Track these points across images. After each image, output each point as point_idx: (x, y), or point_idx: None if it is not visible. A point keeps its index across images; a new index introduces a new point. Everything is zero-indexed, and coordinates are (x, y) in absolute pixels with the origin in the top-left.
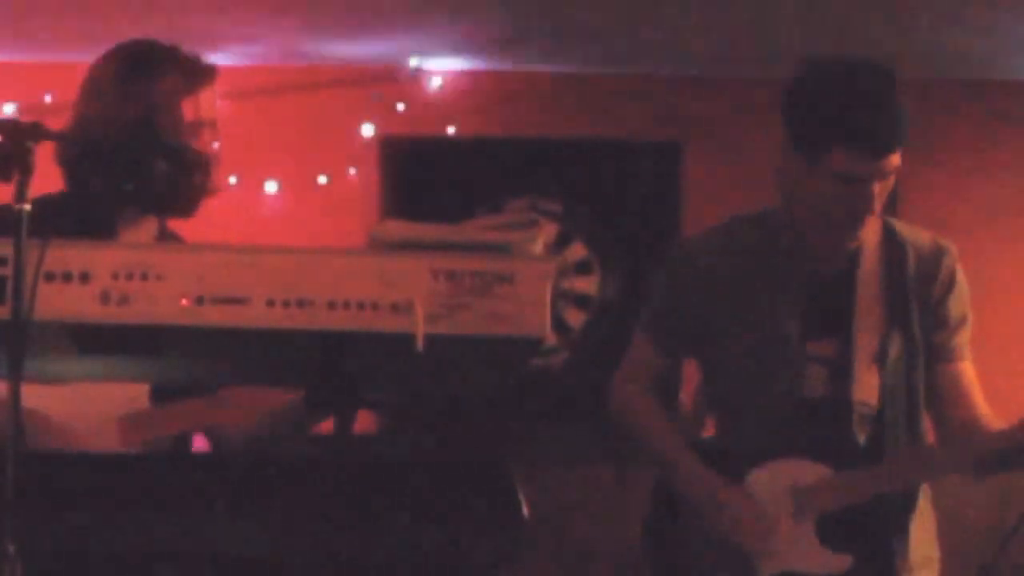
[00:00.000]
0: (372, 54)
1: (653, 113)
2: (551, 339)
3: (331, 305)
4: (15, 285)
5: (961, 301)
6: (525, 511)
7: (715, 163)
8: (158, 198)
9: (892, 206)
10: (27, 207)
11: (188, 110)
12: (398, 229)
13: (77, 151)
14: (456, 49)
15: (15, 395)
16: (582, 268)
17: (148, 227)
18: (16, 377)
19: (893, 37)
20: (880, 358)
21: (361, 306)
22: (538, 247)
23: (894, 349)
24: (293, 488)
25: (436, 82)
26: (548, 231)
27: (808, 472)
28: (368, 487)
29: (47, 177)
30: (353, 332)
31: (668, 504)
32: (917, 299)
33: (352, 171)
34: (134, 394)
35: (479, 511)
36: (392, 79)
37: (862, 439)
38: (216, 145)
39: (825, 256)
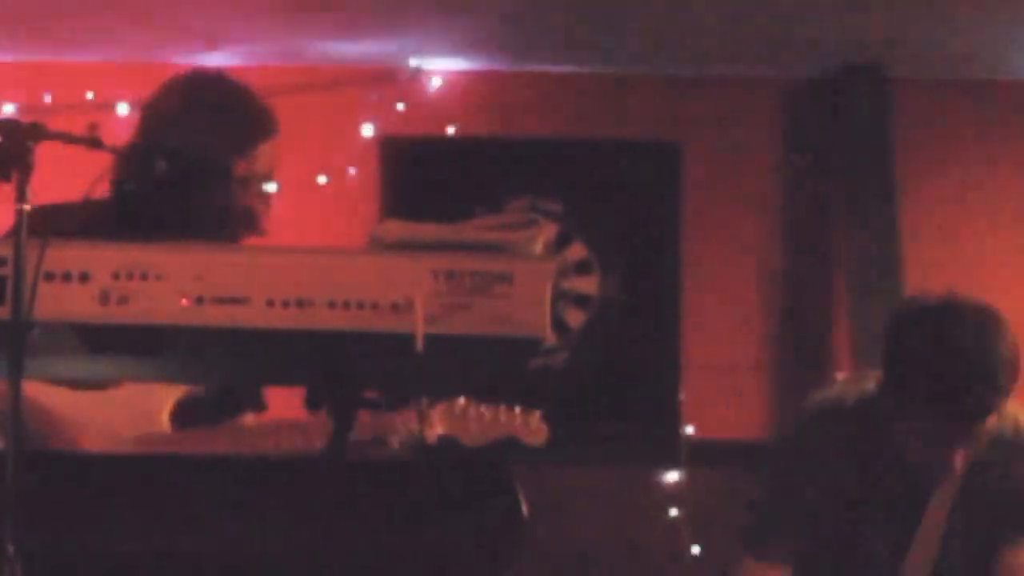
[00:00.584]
0: (372, 54)
1: (653, 113)
2: (551, 339)
3: (331, 305)
4: (15, 285)
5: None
6: (525, 511)
7: (715, 163)
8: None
9: (892, 207)
10: (27, 207)
11: (240, 165)
12: (398, 229)
13: (131, 171)
14: (456, 49)
15: (15, 395)
16: (582, 268)
17: None
18: (16, 377)
19: (893, 37)
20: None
21: (361, 306)
22: (538, 247)
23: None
24: (293, 488)
25: (436, 82)
26: (548, 231)
27: None
28: (368, 487)
29: (47, 177)
30: (353, 332)
31: None
32: (994, 518)
33: (352, 171)
34: (154, 407)
35: (479, 511)
36: (392, 79)
37: None
38: (269, 199)
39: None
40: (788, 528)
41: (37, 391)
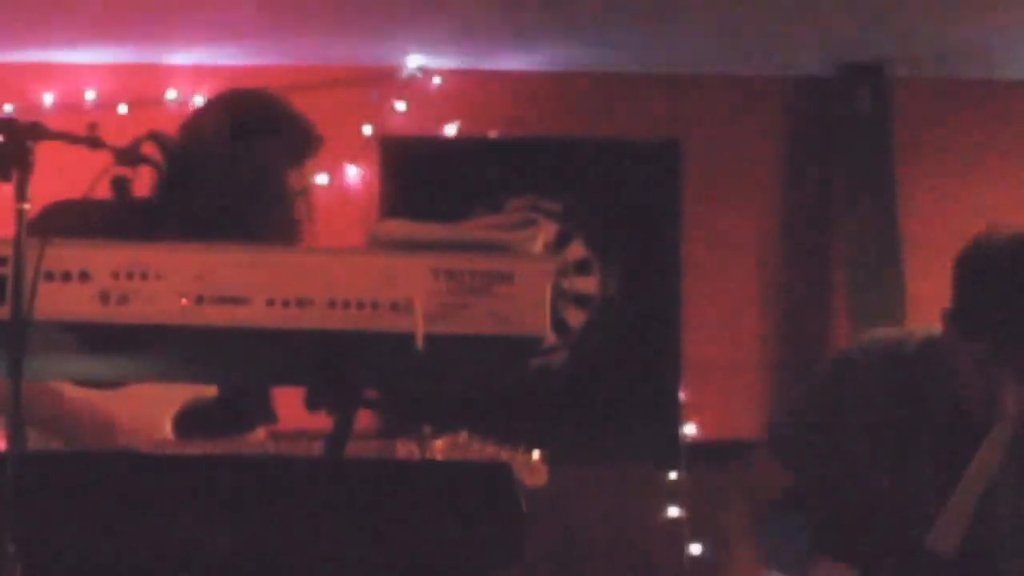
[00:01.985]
0: (372, 54)
1: (653, 112)
2: (551, 338)
3: (331, 305)
4: (15, 285)
5: None
6: (525, 511)
7: (715, 162)
8: None
9: (892, 206)
10: (27, 206)
11: (292, 181)
12: (398, 229)
13: (179, 176)
14: (456, 49)
15: (15, 395)
16: (582, 268)
17: None
18: (16, 377)
19: (893, 36)
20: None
21: (361, 306)
22: (538, 247)
23: (1004, 506)
24: (293, 488)
25: (436, 82)
26: (548, 231)
27: None
28: (368, 487)
29: (47, 177)
30: (353, 332)
31: None
32: None
33: (352, 171)
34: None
35: (479, 511)
36: (392, 79)
37: None
38: (311, 214)
39: (972, 411)
40: (812, 446)
41: (64, 388)
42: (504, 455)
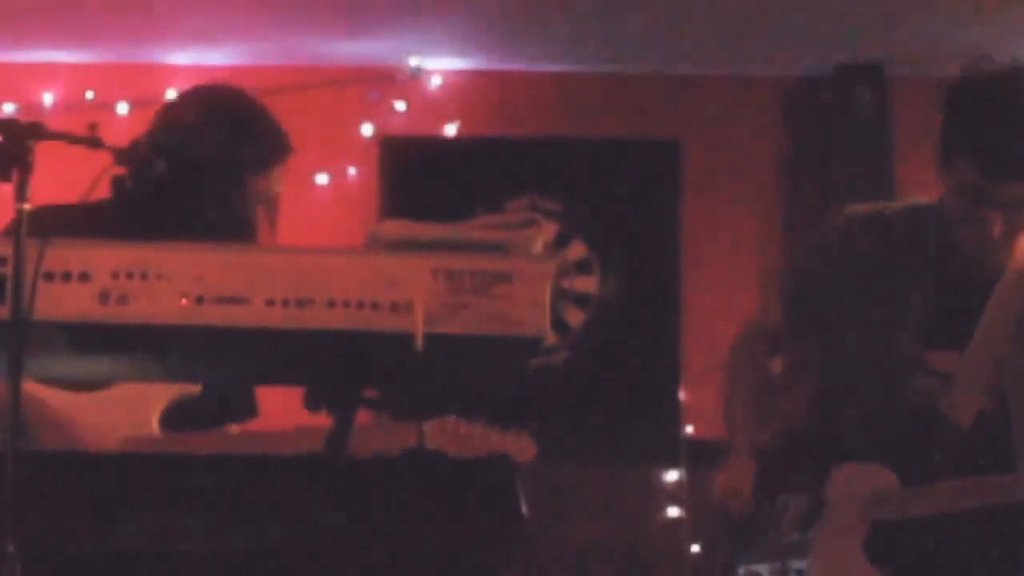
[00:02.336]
0: (372, 54)
1: (652, 112)
2: (551, 338)
3: (331, 305)
4: (15, 285)
5: None
6: (525, 511)
7: (715, 162)
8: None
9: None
10: (27, 206)
11: (259, 184)
12: (398, 229)
13: (141, 172)
14: (456, 49)
15: (15, 395)
16: (582, 267)
17: None
18: (16, 377)
19: (893, 36)
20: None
21: (361, 306)
22: (538, 247)
23: (1018, 371)
24: (293, 488)
25: (436, 82)
26: (548, 231)
27: (881, 481)
28: (368, 487)
29: (48, 177)
30: (353, 332)
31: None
32: None
33: (352, 171)
34: (145, 410)
35: (479, 511)
36: (392, 79)
37: (946, 457)
38: (272, 219)
39: (969, 262)
40: (809, 302)
41: (33, 389)
42: (493, 436)
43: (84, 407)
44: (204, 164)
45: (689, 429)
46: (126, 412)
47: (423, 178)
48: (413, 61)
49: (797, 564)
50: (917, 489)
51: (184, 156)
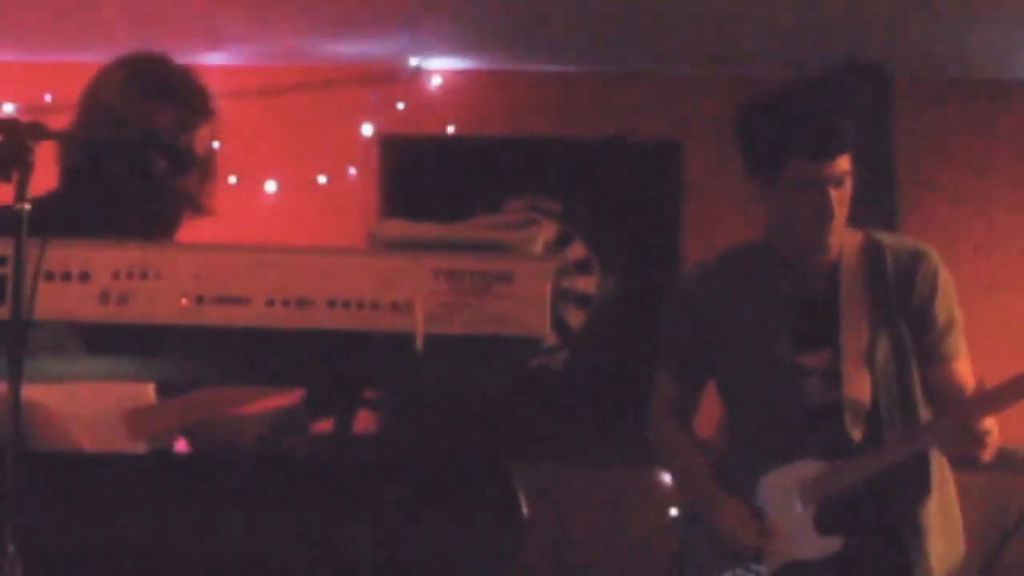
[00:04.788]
0: (372, 54)
1: (653, 112)
2: (551, 338)
3: (331, 305)
4: (15, 285)
5: (947, 304)
6: (525, 511)
7: (715, 162)
8: (141, 223)
9: (894, 202)
10: (27, 206)
11: (188, 143)
12: (398, 229)
13: (77, 159)
14: (456, 49)
15: (15, 395)
16: (582, 267)
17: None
18: (16, 377)
19: (894, 36)
20: (869, 359)
21: (361, 306)
22: (538, 247)
23: (882, 349)
24: (293, 488)
25: (436, 82)
26: (548, 230)
27: (812, 470)
28: (368, 487)
29: (47, 177)
30: (353, 332)
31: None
32: (899, 301)
33: (352, 171)
34: (135, 391)
35: (479, 511)
36: (392, 79)
37: (858, 435)
38: (210, 183)
39: (806, 270)
40: (689, 359)
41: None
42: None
43: (81, 399)
44: (126, 132)
45: None
46: (124, 394)
47: (423, 178)
48: (413, 61)
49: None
50: (840, 463)
51: (107, 129)
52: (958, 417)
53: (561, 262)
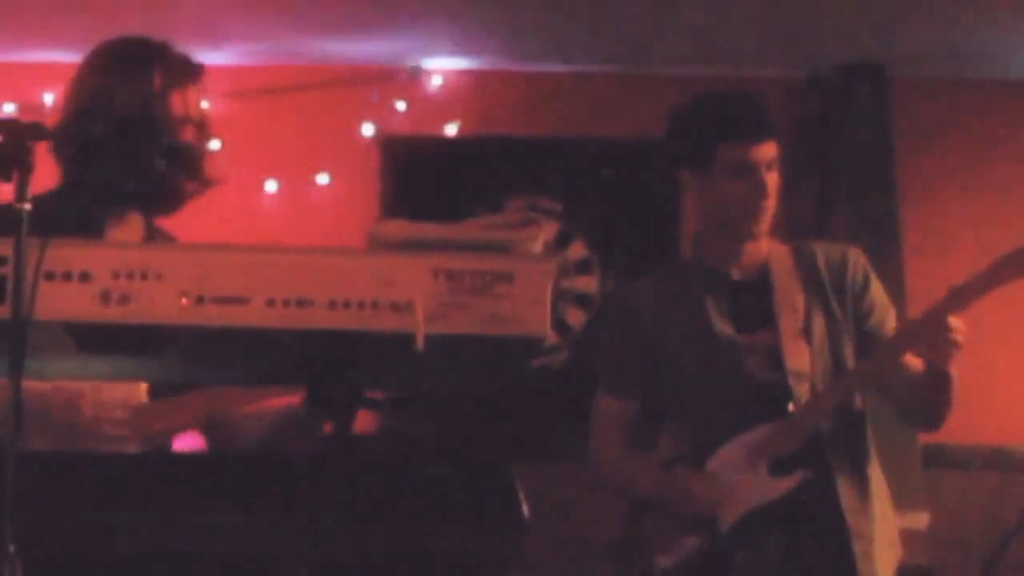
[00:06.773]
0: (372, 54)
1: (654, 112)
2: (552, 338)
3: (331, 305)
4: (15, 285)
5: (880, 288)
6: (525, 511)
7: None
8: (148, 193)
9: (894, 202)
10: (27, 206)
11: (177, 105)
12: (398, 229)
13: (73, 146)
14: (456, 49)
15: (15, 395)
16: (582, 267)
17: (135, 224)
18: (16, 377)
19: (893, 36)
20: (806, 335)
21: (361, 306)
22: (538, 246)
23: (818, 326)
24: (293, 488)
25: (436, 82)
26: (548, 230)
27: (759, 434)
28: (368, 487)
29: (47, 177)
30: (353, 332)
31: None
32: (832, 285)
33: (352, 171)
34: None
35: (479, 511)
36: (392, 79)
37: (801, 403)
38: (207, 144)
39: (740, 264)
40: (631, 370)
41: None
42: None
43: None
44: (121, 98)
45: None
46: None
47: (423, 178)
48: (413, 61)
49: None
50: (782, 423)
51: (98, 112)
52: (879, 357)
53: (561, 262)
